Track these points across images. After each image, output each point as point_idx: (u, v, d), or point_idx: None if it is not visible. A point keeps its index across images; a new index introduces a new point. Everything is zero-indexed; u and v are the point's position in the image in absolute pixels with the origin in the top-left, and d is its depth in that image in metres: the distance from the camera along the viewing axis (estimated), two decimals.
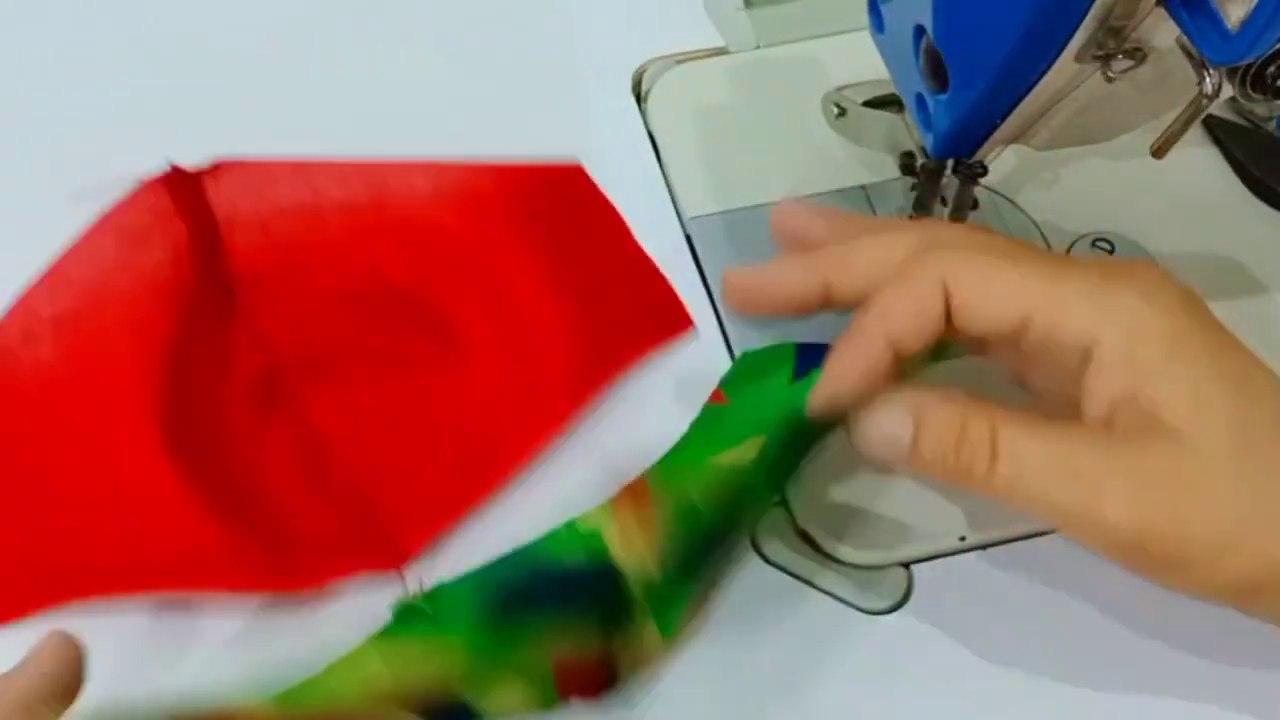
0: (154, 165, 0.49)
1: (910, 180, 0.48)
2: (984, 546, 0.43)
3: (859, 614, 0.42)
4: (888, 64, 0.43)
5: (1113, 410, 0.35)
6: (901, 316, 0.36)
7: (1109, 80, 0.36)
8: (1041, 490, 0.34)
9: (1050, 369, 0.37)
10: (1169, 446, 0.34)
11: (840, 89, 0.49)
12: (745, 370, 0.41)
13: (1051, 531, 0.43)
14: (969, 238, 0.38)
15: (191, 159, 0.50)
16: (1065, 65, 0.36)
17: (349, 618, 0.40)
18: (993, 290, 0.36)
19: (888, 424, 0.36)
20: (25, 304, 0.46)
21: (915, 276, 0.36)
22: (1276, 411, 0.35)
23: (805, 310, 0.39)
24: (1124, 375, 0.35)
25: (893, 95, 0.45)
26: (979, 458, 0.35)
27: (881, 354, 0.36)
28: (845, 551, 0.42)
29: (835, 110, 0.49)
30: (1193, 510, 0.34)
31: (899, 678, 0.41)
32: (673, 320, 0.46)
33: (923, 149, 0.44)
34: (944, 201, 0.46)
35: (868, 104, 0.47)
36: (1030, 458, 0.35)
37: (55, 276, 0.46)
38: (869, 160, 0.51)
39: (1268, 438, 0.35)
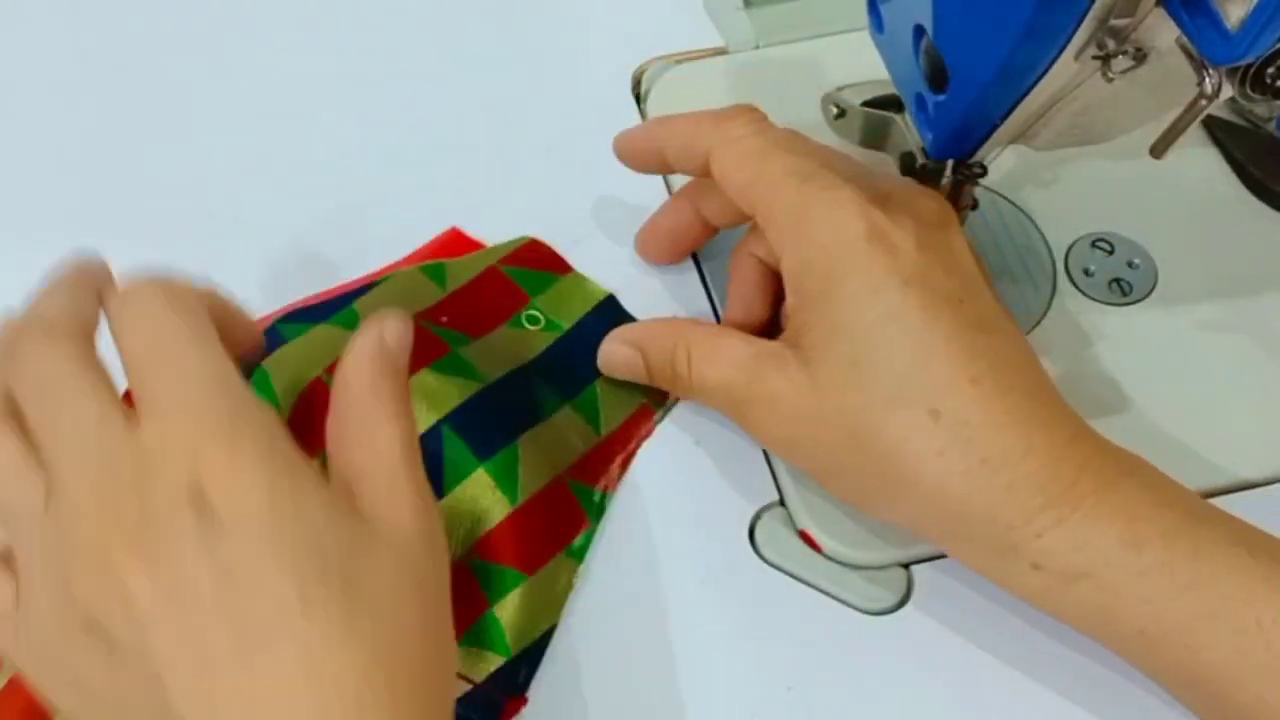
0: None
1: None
2: None
3: (859, 614, 0.42)
4: (888, 64, 0.43)
5: (789, 319, 0.41)
6: (679, 151, 0.44)
7: (1109, 80, 0.36)
8: (715, 401, 0.42)
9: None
10: (798, 372, 0.39)
11: (840, 89, 0.49)
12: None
13: None
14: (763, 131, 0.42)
15: (186, 152, 0.50)
16: (1065, 65, 0.36)
17: None
18: (738, 174, 0.42)
19: (622, 351, 0.44)
20: None
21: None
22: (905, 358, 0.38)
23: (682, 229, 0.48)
24: (792, 295, 0.40)
25: (893, 95, 0.45)
26: (680, 366, 0.42)
27: (652, 162, 0.46)
28: (845, 552, 0.42)
29: (835, 110, 0.49)
30: (805, 432, 0.40)
31: (899, 678, 0.41)
32: None
33: (923, 149, 0.44)
34: None
35: (868, 104, 0.47)
36: (710, 379, 0.41)
37: None
38: (869, 160, 0.51)
39: (882, 388, 0.38)
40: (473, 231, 0.50)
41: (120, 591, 0.31)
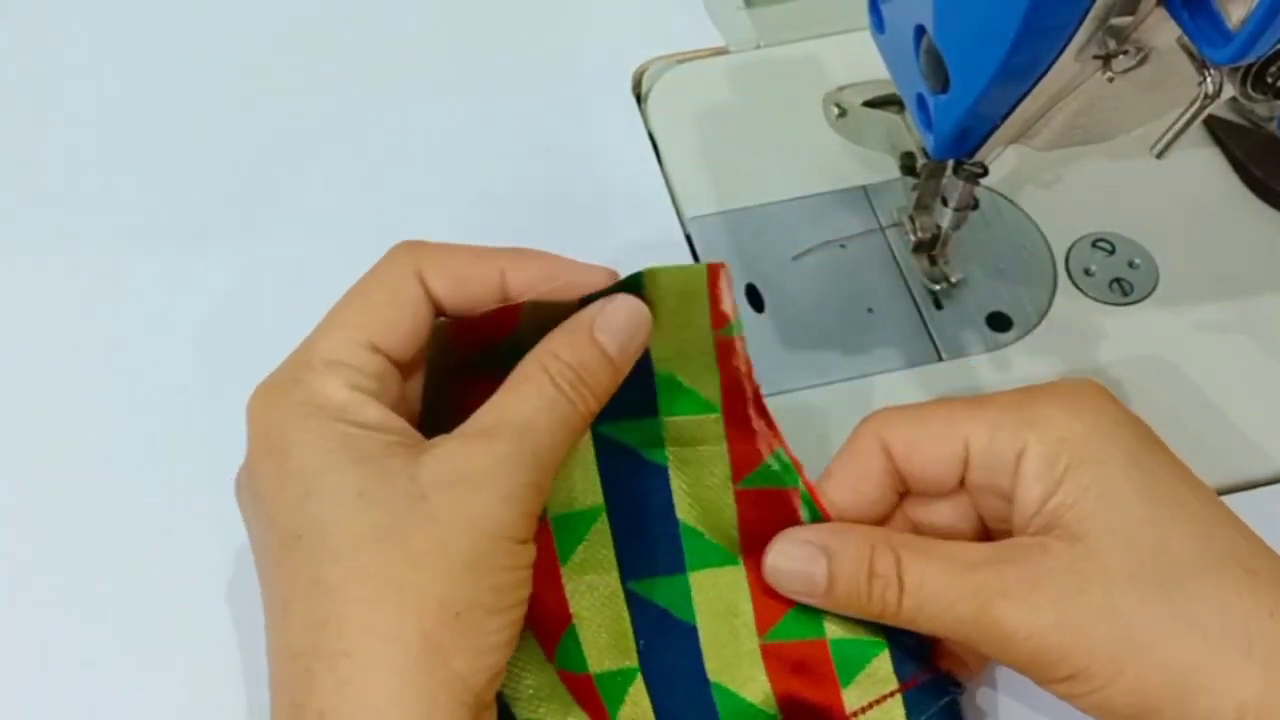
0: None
1: (910, 180, 0.48)
2: None
3: None
4: (888, 64, 0.43)
5: (1032, 520, 0.35)
6: (847, 490, 0.37)
7: (1109, 80, 0.36)
8: (946, 611, 0.34)
9: (995, 500, 0.37)
10: (1066, 548, 0.34)
11: (840, 89, 0.49)
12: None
13: None
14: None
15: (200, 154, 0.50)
16: (1065, 65, 0.36)
17: None
18: (927, 430, 0.37)
19: (800, 561, 0.37)
20: None
21: (855, 438, 0.38)
22: (1197, 526, 0.34)
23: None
24: (1042, 483, 0.35)
25: (893, 95, 0.45)
26: (889, 592, 0.35)
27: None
28: None
29: (835, 110, 0.49)
30: (1088, 615, 0.33)
31: None
32: None
33: (923, 149, 0.44)
34: (944, 201, 0.46)
35: (868, 104, 0.48)
36: (931, 582, 0.35)
37: None
38: (869, 160, 0.51)
39: (1182, 549, 0.34)
40: (473, 232, 0.50)
41: None
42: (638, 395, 0.38)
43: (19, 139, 0.52)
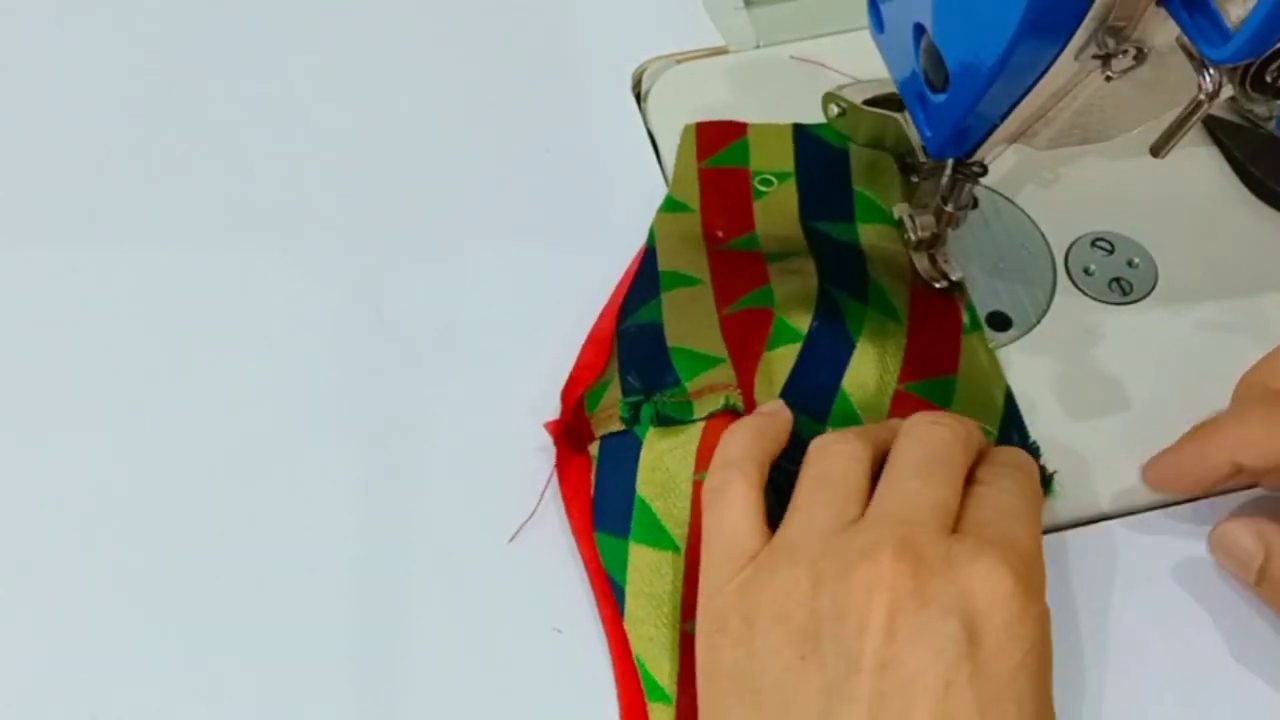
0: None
1: (906, 189, 0.48)
2: None
3: None
4: (888, 63, 0.43)
5: None
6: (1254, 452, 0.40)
7: (1109, 80, 0.36)
8: None
9: None
10: None
11: (840, 87, 0.49)
12: None
13: (1055, 531, 0.43)
14: None
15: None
16: (1065, 65, 0.36)
17: None
18: None
19: (1244, 543, 0.41)
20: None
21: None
22: None
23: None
24: None
25: (893, 94, 0.45)
26: None
27: (1221, 474, 0.41)
28: None
29: (835, 109, 0.49)
30: None
31: None
32: None
33: (923, 149, 0.44)
34: (944, 201, 0.46)
35: (868, 103, 0.47)
36: None
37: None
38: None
39: None
40: (474, 231, 0.50)
41: (860, 627, 0.33)
42: (838, 204, 0.49)
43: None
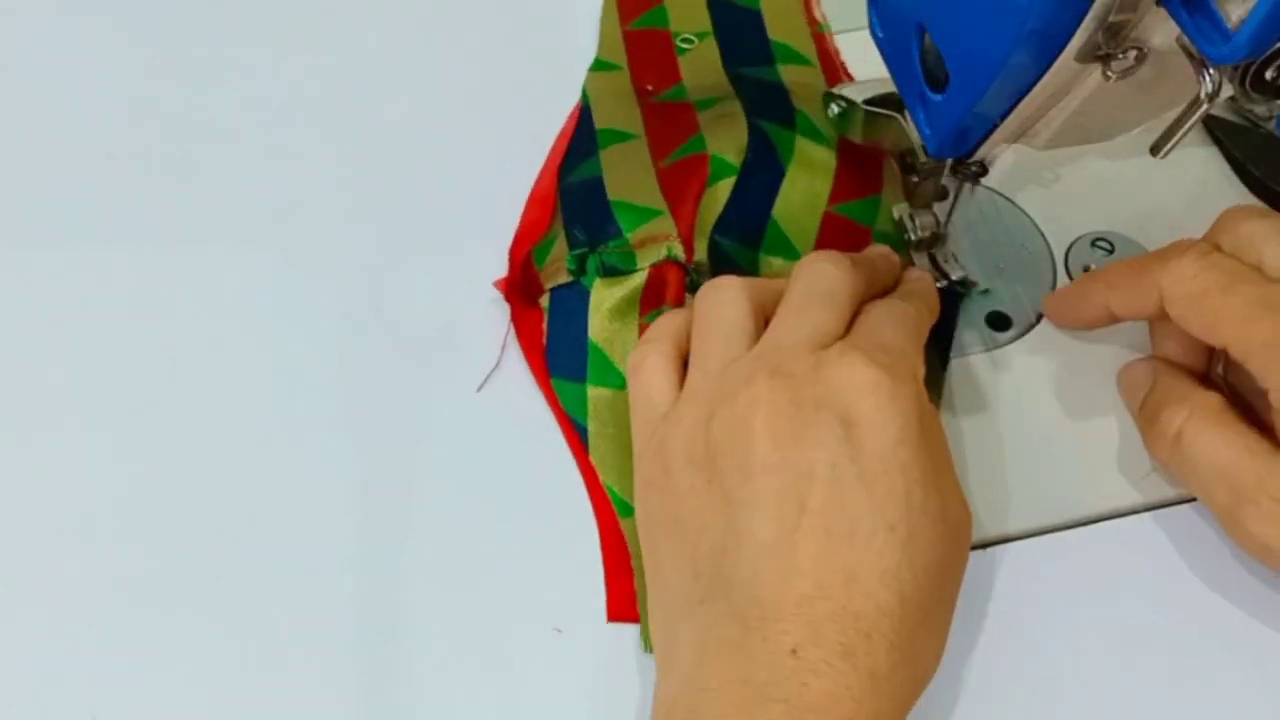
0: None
1: (911, 179, 0.48)
2: (983, 545, 0.43)
3: None
4: (888, 64, 0.43)
5: None
6: (1125, 300, 0.43)
7: (1109, 80, 0.36)
8: (1200, 485, 0.40)
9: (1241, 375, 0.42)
10: None
11: (840, 87, 0.49)
12: None
13: (1055, 531, 0.43)
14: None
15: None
16: (1065, 65, 0.36)
17: None
18: (1200, 315, 0.40)
19: (1135, 376, 0.44)
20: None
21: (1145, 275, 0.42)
22: None
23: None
24: None
25: (893, 95, 0.45)
26: (1168, 433, 0.41)
27: (1097, 318, 0.44)
28: None
29: (836, 109, 0.48)
30: None
31: None
32: None
33: (923, 148, 0.44)
34: (943, 201, 0.46)
35: (868, 103, 0.47)
36: (1201, 452, 0.40)
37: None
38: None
39: None
40: (475, 231, 0.50)
41: (746, 441, 0.36)
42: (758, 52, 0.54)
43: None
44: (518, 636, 0.41)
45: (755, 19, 0.55)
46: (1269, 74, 0.34)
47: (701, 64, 0.54)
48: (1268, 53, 0.33)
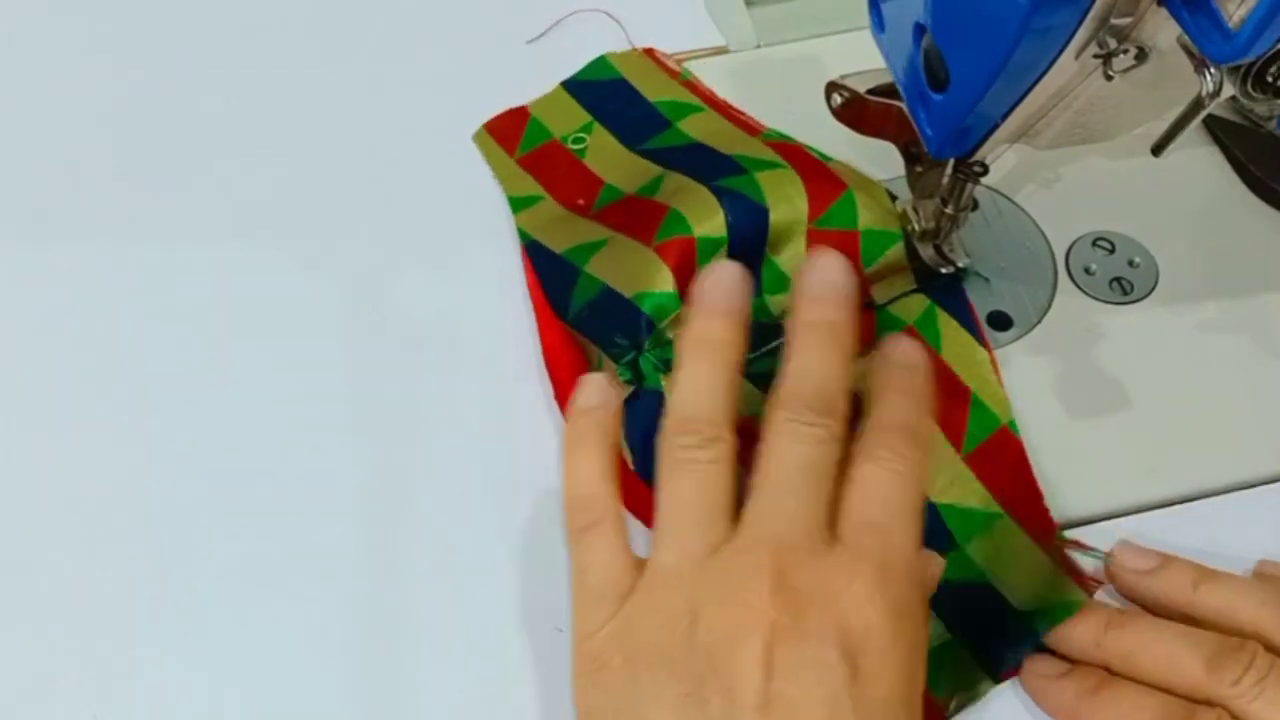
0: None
1: (915, 169, 0.48)
2: None
3: None
4: (888, 63, 0.43)
5: None
6: None
7: (1109, 80, 0.36)
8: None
9: None
10: None
11: (843, 76, 0.49)
12: None
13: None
14: None
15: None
16: (1065, 64, 0.36)
17: None
18: None
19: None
20: None
21: None
22: None
23: None
24: None
25: (895, 85, 0.45)
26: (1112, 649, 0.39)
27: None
28: None
29: (838, 99, 0.48)
30: None
31: None
32: None
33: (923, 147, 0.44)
34: (944, 201, 0.46)
35: (871, 93, 0.47)
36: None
37: None
38: (869, 159, 0.51)
39: None
40: (475, 231, 0.50)
41: (740, 664, 0.33)
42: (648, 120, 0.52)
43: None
44: (519, 636, 0.41)
45: (621, 86, 0.53)
46: (1270, 74, 0.34)
47: (607, 156, 0.51)
48: (1269, 52, 0.33)
